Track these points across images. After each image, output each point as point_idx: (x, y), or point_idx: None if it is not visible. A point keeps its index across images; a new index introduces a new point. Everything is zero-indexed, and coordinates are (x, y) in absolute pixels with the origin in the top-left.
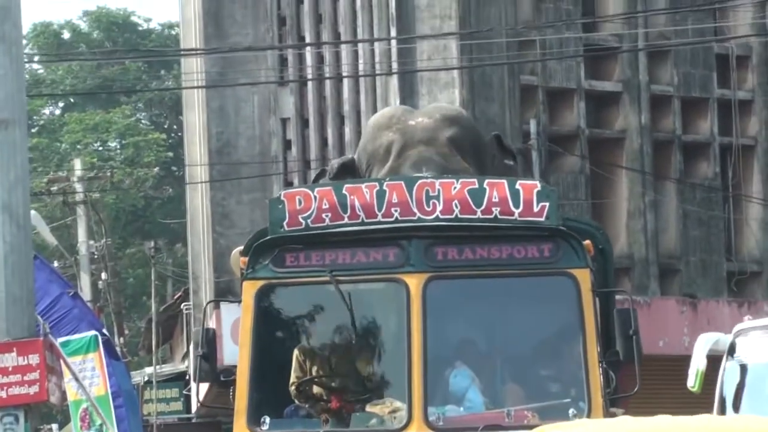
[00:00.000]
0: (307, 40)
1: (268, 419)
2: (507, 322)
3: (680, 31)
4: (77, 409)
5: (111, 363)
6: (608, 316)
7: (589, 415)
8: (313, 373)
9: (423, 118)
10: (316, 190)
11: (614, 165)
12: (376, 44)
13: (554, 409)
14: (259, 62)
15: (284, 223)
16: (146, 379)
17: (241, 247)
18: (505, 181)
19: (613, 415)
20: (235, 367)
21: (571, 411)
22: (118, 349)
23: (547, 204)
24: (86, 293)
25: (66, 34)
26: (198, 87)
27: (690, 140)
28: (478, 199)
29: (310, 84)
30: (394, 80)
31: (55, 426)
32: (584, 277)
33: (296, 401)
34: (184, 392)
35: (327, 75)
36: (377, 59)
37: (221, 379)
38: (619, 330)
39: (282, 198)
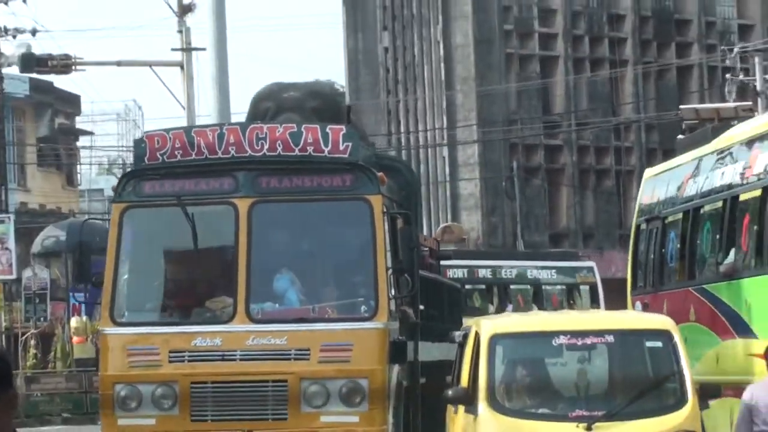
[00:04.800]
0: None
1: (126, 312)
2: (316, 237)
3: None
4: None
5: None
6: (403, 238)
7: (376, 312)
8: (165, 277)
9: (294, 92)
10: (171, 132)
11: None
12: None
13: (350, 306)
14: None
15: (145, 158)
16: None
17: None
18: (318, 126)
19: (405, 312)
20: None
21: (363, 308)
22: None
23: (350, 144)
24: None
25: None
26: None
27: None
28: (297, 140)
29: None
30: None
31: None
32: (377, 201)
33: (150, 299)
34: None
35: None
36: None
37: (93, 281)
38: (403, 244)
39: (144, 139)
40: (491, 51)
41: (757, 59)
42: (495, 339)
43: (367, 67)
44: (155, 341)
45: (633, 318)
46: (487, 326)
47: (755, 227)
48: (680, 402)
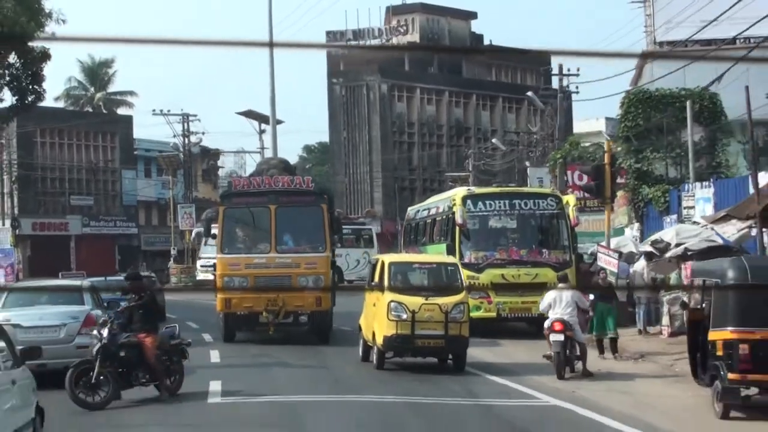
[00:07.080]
0: None
1: (227, 249)
2: (300, 221)
3: None
4: None
5: None
6: (334, 221)
7: (325, 249)
8: (241, 235)
9: (273, 161)
10: (242, 177)
11: None
12: None
13: (315, 247)
14: None
15: (233, 187)
16: None
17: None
18: (300, 176)
19: (333, 249)
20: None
21: (320, 248)
22: None
23: (313, 184)
24: None
25: None
26: None
27: None
28: (292, 182)
29: None
30: None
31: None
32: (324, 207)
33: (235, 244)
34: None
35: None
36: None
37: (211, 236)
38: (333, 222)
39: (231, 180)
40: (387, 139)
41: (471, 158)
42: (391, 264)
43: (338, 144)
44: (239, 261)
45: (442, 258)
46: (386, 258)
47: (431, 231)
48: (460, 290)
